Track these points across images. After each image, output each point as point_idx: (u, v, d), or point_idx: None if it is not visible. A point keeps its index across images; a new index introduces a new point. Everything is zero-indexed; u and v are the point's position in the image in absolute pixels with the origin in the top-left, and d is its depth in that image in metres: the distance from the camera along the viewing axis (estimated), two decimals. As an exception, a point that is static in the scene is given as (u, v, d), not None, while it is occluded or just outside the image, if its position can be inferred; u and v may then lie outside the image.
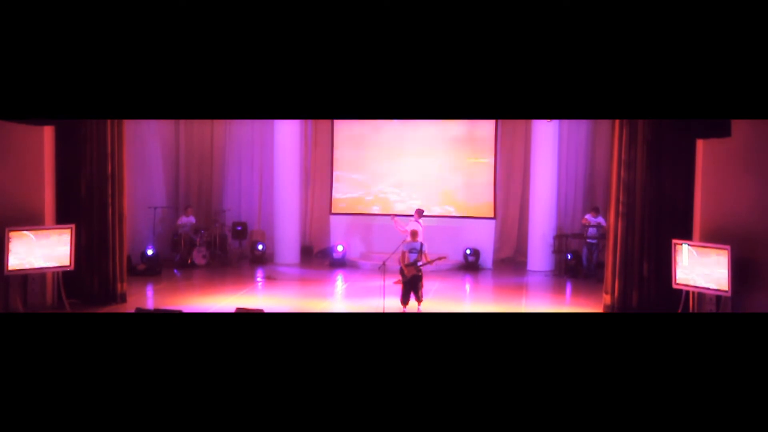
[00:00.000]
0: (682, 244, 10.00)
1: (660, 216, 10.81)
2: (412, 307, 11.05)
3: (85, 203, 11.33)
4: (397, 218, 13.21)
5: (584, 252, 15.09)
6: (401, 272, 11.08)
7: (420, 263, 10.92)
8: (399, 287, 11.58)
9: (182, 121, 17.73)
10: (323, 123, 17.61)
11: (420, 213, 13.19)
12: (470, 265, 15.82)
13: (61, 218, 11.06)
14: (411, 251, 11.00)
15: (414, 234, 11.21)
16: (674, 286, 10.17)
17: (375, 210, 16.80)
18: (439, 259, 11.34)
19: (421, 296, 11.07)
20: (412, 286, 10.99)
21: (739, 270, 9.36)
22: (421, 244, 11.03)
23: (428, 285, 12.29)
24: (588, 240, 14.93)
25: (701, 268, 9.67)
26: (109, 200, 11.39)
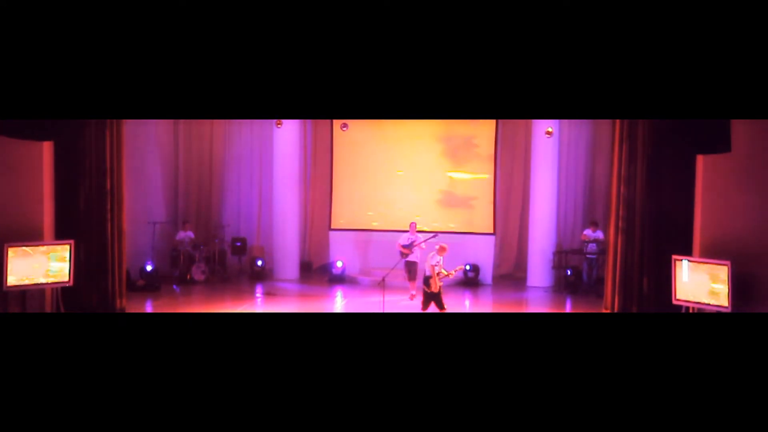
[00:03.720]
0: (682, 260, 9.98)
1: (660, 231, 10.80)
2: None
3: (84, 219, 11.31)
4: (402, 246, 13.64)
5: (584, 267, 15.08)
6: (427, 284, 11.06)
7: (441, 275, 10.90)
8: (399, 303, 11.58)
9: (181, 136, 17.73)
10: (323, 138, 17.63)
11: (413, 227, 13.81)
12: (470, 281, 15.78)
13: (60, 234, 11.03)
14: (436, 265, 10.99)
15: (441, 250, 11.18)
16: (674, 302, 10.14)
17: (375, 226, 16.81)
18: (459, 269, 11.44)
19: (443, 305, 10.99)
20: (435, 298, 10.94)
21: (739, 285, 9.34)
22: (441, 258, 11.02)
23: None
24: (588, 255, 14.92)
25: (701, 284, 9.65)
26: (108, 215, 11.38)
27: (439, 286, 10.89)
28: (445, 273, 10.93)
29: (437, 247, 11.15)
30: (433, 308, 10.93)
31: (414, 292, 13.61)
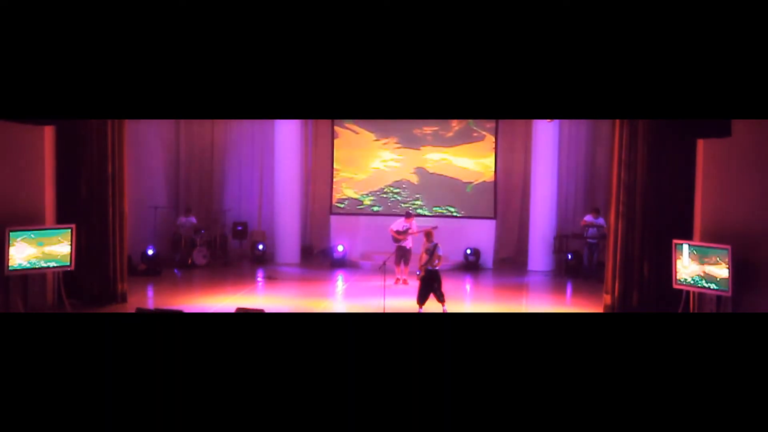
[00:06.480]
0: (682, 244, 10.00)
1: (660, 216, 10.81)
2: (431, 307, 11.02)
3: (85, 203, 11.32)
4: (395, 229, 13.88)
5: (585, 252, 15.09)
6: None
7: (429, 266, 10.90)
8: (398, 288, 11.55)
9: (182, 122, 17.71)
10: (323, 123, 17.61)
11: (408, 214, 14.05)
12: (471, 265, 15.82)
13: (62, 218, 11.05)
14: (426, 252, 11.03)
15: (428, 235, 11.23)
16: (674, 286, 10.16)
17: (376, 210, 16.83)
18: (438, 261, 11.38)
19: (443, 296, 10.99)
20: (427, 286, 10.98)
21: (739, 270, 9.35)
22: (435, 245, 11.00)
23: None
24: (588, 240, 14.94)
25: (701, 268, 9.67)
26: (110, 200, 11.39)
27: (422, 275, 10.93)
28: (437, 259, 10.93)
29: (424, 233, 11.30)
30: (433, 300, 10.96)
31: (404, 277, 13.67)
